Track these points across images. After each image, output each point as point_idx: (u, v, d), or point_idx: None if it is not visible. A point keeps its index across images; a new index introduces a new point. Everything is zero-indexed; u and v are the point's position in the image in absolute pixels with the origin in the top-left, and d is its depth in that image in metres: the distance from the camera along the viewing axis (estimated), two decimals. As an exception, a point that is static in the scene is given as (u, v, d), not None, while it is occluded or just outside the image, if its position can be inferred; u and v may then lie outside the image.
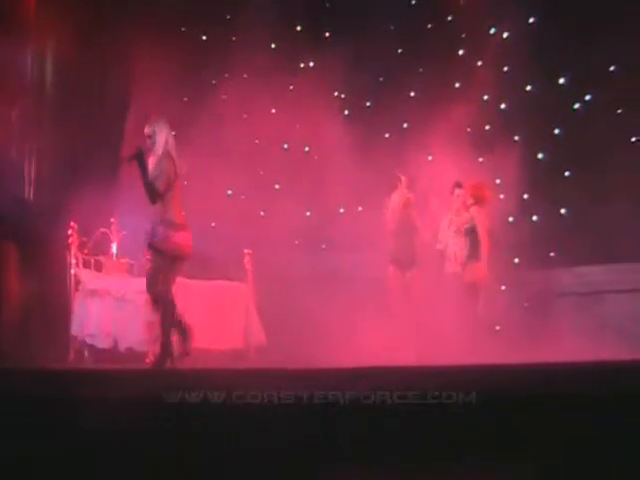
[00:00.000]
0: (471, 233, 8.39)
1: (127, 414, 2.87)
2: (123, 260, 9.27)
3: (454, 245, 8.65)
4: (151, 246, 6.59)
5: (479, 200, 8.46)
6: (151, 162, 6.55)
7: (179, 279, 8.53)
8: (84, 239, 8.76)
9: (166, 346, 6.52)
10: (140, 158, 6.51)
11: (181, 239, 6.59)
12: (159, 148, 6.57)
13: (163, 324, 6.57)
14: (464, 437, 2.55)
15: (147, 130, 6.64)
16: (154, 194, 6.47)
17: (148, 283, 6.62)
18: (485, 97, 10.42)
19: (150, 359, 7.32)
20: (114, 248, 9.25)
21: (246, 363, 8.33)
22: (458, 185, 8.74)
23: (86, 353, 8.32)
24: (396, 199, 8.78)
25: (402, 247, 8.68)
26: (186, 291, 8.60)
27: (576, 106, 10.20)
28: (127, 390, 3.73)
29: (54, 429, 2.91)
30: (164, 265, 6.58)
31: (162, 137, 6.58)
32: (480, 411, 2.69)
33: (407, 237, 8.70)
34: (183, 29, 11.08)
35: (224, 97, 10.46)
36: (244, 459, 2.66)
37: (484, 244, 8.31)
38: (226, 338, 8.81)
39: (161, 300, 6.58)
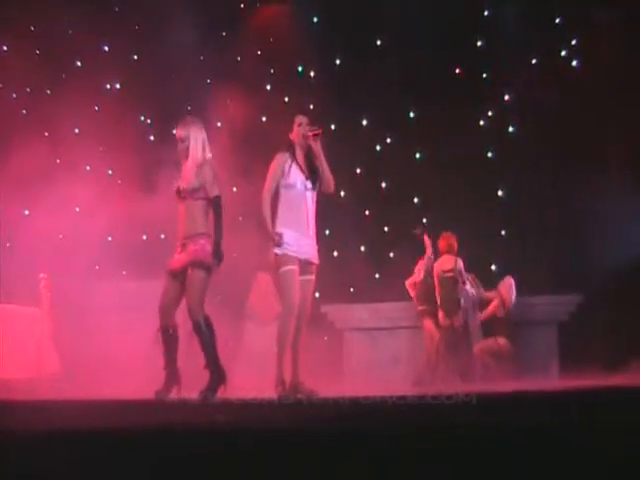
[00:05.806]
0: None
1: None
2: None
3: None
4: (201, 264, 5.81)
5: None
6: (188, 168, 5.90)
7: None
8: None
9: (219, 372, 5.79)
10: None
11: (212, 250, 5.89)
12: (197, 153, 5.91)
13: (209, 350, 5.80)
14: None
15: (180, 132, 5.96)
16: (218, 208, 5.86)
17: (197, 308, 5.79)
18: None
19: None
20: None
21: (37, 394, 7.84)
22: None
23: None
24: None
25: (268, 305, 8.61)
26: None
27: (378, 147, 10.67)
28: None
29: None
30: (208, 283, 5.87)
31: (199, 142, 5.91)
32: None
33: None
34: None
35: (24, 112, 9.96)
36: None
37: None
38: (16, 366, 8.29)
39: (203, 324, 5.79)
